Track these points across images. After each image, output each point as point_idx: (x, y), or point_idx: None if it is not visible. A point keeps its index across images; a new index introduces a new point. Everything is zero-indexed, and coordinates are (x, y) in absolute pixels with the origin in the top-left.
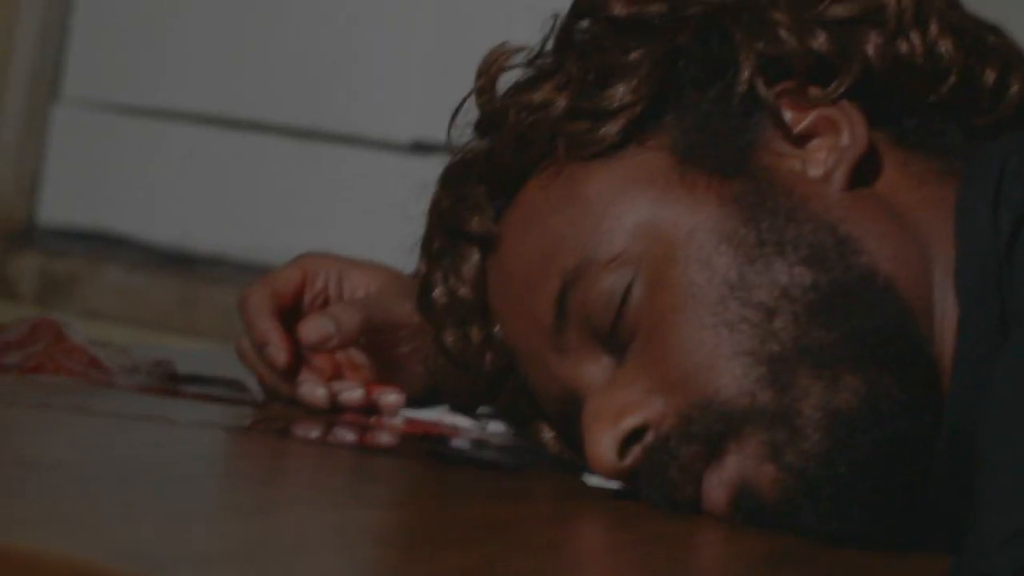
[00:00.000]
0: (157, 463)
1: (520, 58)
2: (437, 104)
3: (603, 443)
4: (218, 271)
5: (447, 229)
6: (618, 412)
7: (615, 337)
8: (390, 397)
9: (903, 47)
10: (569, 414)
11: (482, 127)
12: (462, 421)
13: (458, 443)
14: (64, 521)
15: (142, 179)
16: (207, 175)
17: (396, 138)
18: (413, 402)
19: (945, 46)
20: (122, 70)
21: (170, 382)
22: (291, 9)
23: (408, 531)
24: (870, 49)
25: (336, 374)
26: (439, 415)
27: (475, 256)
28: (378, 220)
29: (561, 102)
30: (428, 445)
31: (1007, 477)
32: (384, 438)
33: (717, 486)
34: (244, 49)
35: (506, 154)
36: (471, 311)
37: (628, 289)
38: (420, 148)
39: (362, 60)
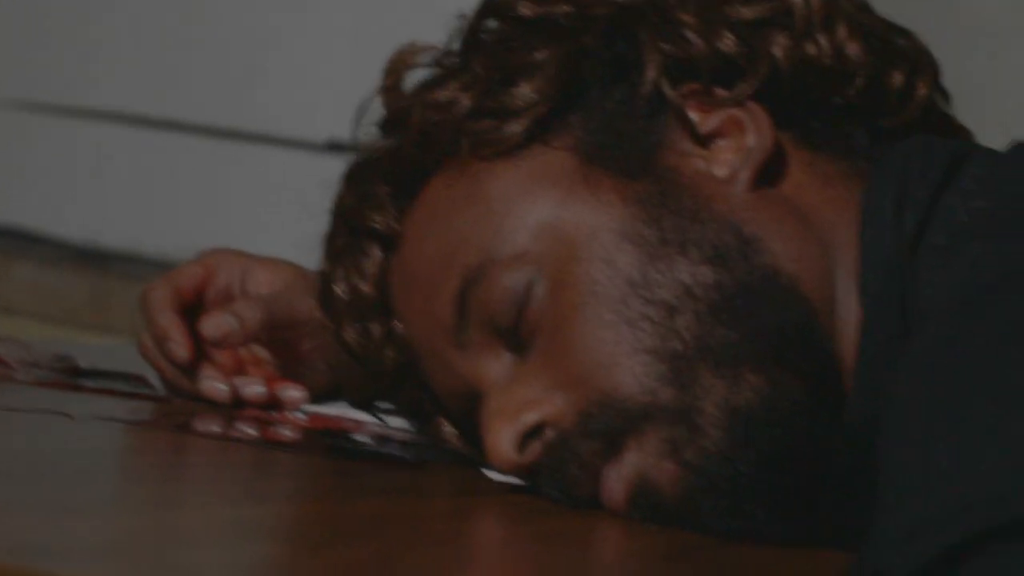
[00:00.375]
0: (52, 457)
1: (427, 57)
2: (352, 104)
3: (502, 439)
4: (131, 268)
5: (350, 227)
6: (518, 408)
7: (517, 335)
8: (292, 393)
9: (810, 49)
10: (470, 410)
11: (387, 125)
12: (364, 417)
13: (360, 438)
14: None
15: (56, 176)
16: (121, 173)
17: (311, 137)
18: (316, 398)
19: (853, 49)
20: (37, 69)
21: (71, 377)
22: (206, 9)
23: (302, 526)
24: (777, 51)
25: (238, 370)
26: (341, 411)
27: (377, 254)
28: (292, 218)
29: (466, 101)
30: (330, 440)
31: (906, 476)
32: (286, 433)
33: (616, 482)
34: (159, 48)
35: (410, 152)
36: (372, 308)
37: (530, 288)
38: (335, 147)
39: (278, 60)
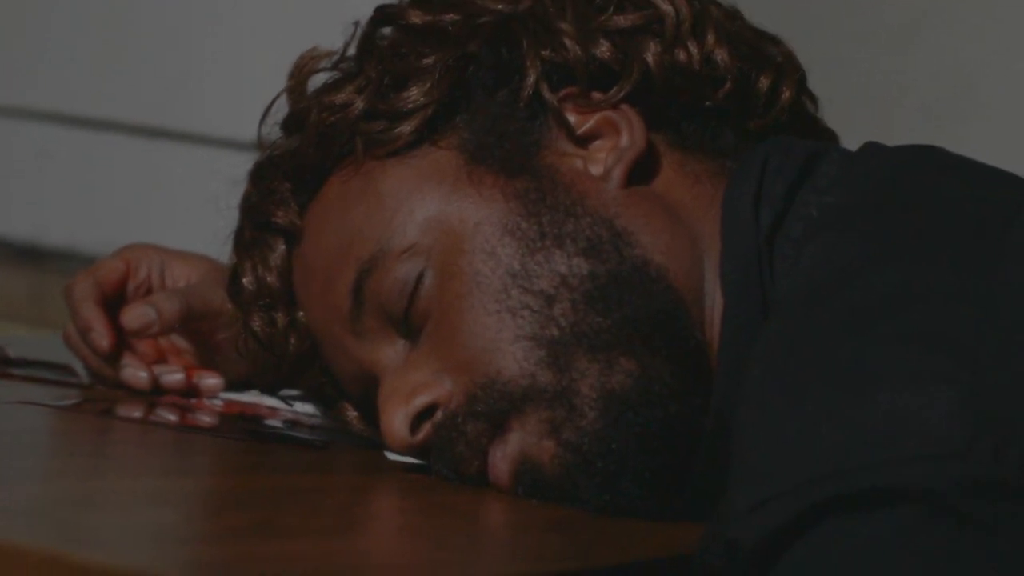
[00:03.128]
0: None
1: (328, 62)
2: (280, 105)
3: (396, 420)
4: (69, 265)
5: (255, 222)
6: (410, 392)
7: (408, 322)
8: (209, 380)
9: (681, 55)
10: (368, 394)
11: (288, 125)
12: (277, 403)
13: (272, 422)
14: None
15: None
16: (59, 172)
17: (240, 137)
18: (231, 385)
19: (721, 55)
20: None
21: (1, 365)
22: (142, 12)
23: (203, 496)
24: (649, 57)
25: (158, 359)
26: (255, 398)
27: (281, 247)
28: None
29: (360, 103)
30: (244, 424)
31: (754, 452)
32: (203, 419)
33: (501, 460)
34: (96, 50)
35: (309, 151)
36: (277, 298)
37: (419, 278)
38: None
39: (209, 62)
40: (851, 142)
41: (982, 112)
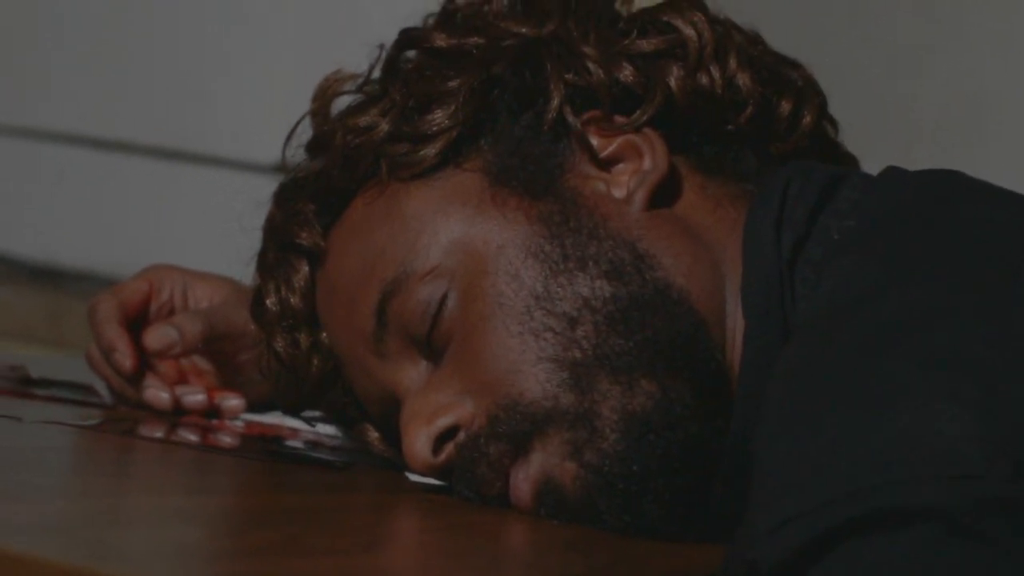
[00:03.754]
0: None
1: (352, 84)
2: (303, 127)
3: (418, 441)
4: (85, 286)
5: (280, 243)
6: (432, 413)
7: (431, 344)
8: (231, 401)
9: (703, 80)
10: (390, 415)
11: (313, 148)
12: (299, 424)
13: (293, 443)
14: None
15: (12, 196)
16: (75, 193)
17: (258, 160)
18: (253, 407)
19: (743, 79)
20: None
21: (23, 385)
22: (158, 34)
23: (227, 515)
24: (672, 81)
25: (180, 379)
26: (278, 419)
27: (305, 268)
28: (240, 238)
29: (384, 126)
30: (265, 445)
31: (773, 474)
32: (225, 439)
33: (523, 481)
34: (112, 73)
35: (334, 173)
36: (300, 319)
37: (443, 300)
38: (281, 170)
39: (226, 84)
40: (864, 165)
41: (994, 135)
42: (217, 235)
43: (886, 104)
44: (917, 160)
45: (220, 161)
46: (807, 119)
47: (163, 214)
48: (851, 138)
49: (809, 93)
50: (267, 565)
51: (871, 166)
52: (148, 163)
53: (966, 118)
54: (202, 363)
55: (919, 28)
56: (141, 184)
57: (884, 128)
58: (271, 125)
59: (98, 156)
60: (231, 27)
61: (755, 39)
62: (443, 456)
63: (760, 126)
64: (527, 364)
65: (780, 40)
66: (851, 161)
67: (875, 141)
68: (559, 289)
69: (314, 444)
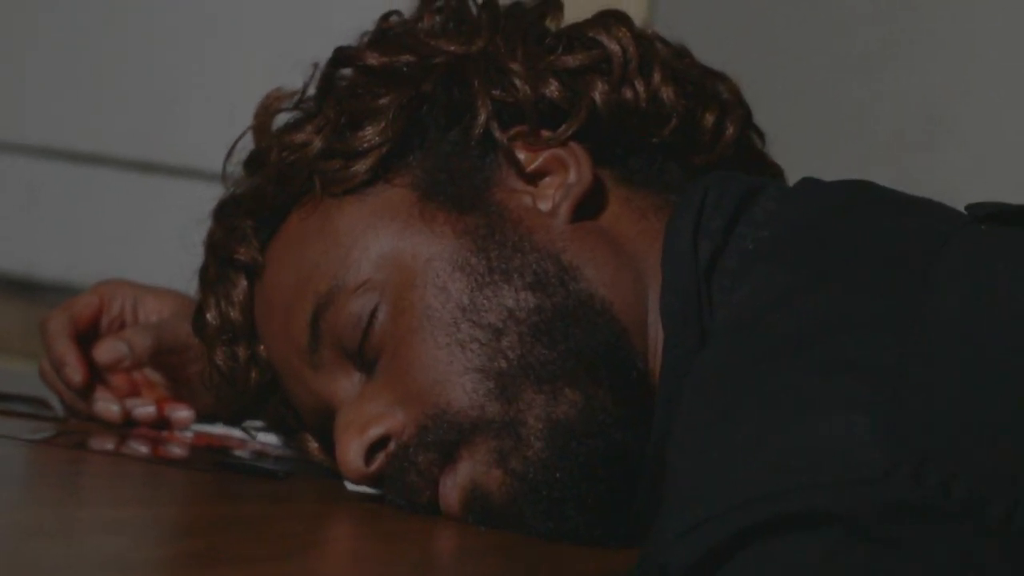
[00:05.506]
0: None
1: (291, 102)
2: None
3: (351, 451)
4: (62, 298)
5: (219, 258)
6: (364, 423)
7: (363, 356)
8: (180, 413)
9: (627, 94)
10: (327, 425)
11: (250, 164)
12: (245, 435)
13: (240, 453)
14: None
15: None
16: (51, 206)
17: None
18: (203, 417)
19: (667, 93)
20: None
21: None
22: (132, 48)
23: (155, 525)
24: (597, 96)
25: (131, 392)
26: (226, 429)
27: (243, 282)
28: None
29: (318, 143)
30: (213, 455)
31: (683, 479)
32: (175, 450)
33: (451, 489)
34: (85, 86)
35: (269, 189)
36: (239, 332)
37: (374, 312)
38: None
39: (200, 96)
40: (820, 171)
41: (951, 141)
42: (192, 247)
43: (842, 115)
44: (874, 173)
45: (195, 173)
46: (730, 130)
47: (138, 226)
48: (807, 150)
49: (733, 105)
50: (188, 573)
51: (826, 172)
52: (123, 175)
53: (923, 129)
54: (152, 376)
55: (876, 38)
56: (116, 196)
57: (840, 140)
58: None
59: (73, 169)
60: (204, 39)
61: (681, 52)
62: (375, 465)
63: (684, 138)
64: (454, 374)
65: (735, 48)
66: (777, 172)
67: (831, 153)
68: (485, 301)
69: (260, 454)
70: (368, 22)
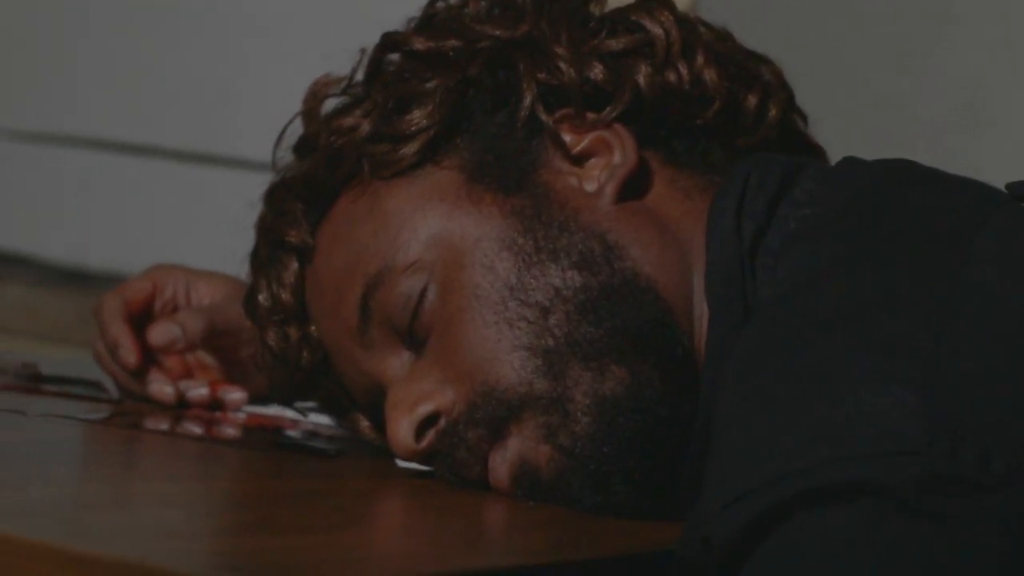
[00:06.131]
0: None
1: (338, 87)
2: (296, 129)
3: (401, 428)
4: (113, 287)
5: (270, 241)
6: (414, 401)
7: (413, 335)
8: (233, 394)
9: (671, 76)
10: (377, 404)
11: (300, 149)
12: (298, 416)
13: (292, 433)
14: None
15: (40, 200)
16: (103, 197)
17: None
18: (255, 399)
19: (710, 75)
20: (21, 99)
21: (33, 382)
22: (181, 40)
23: (207, 499)
24: (641, 78)
25: (184, 374)
26: (279, 410)
27: (294, 264)
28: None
29: (366, 126)
30: (266, 435)
31: (727, 453)
32: (228, 431)
33: (501, 464)
34: (137, 77)
35: (319, 173)
36: (290, 313)
37: (423, 292)
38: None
39: (250, 87)
40: (860, 156)
41: (991, 131)
42: (240, 235)
43: (885, 102)
44: (915, 157)
45: (243, 163)
46: (773, 112)
47: (187, 216)
48: (847, 136)
49: (776, 87)
50: (237, 543)
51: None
52: (173, 166)
53: (966, 116)
54: (205, 358)
55: (920, 26)
56: (166, 187)
57: (881, 125)
58: (291, 128)
59: (124, 160)
60: (253, 30)
61: (724, 36)
62: (425, 442)
63: (727, 120)
64: (503, 352)
65: (777, 38)
66: (819, 153)
67: (872, 139)
68: (532, 280)
69: (312, 434)
70: (415, 11)
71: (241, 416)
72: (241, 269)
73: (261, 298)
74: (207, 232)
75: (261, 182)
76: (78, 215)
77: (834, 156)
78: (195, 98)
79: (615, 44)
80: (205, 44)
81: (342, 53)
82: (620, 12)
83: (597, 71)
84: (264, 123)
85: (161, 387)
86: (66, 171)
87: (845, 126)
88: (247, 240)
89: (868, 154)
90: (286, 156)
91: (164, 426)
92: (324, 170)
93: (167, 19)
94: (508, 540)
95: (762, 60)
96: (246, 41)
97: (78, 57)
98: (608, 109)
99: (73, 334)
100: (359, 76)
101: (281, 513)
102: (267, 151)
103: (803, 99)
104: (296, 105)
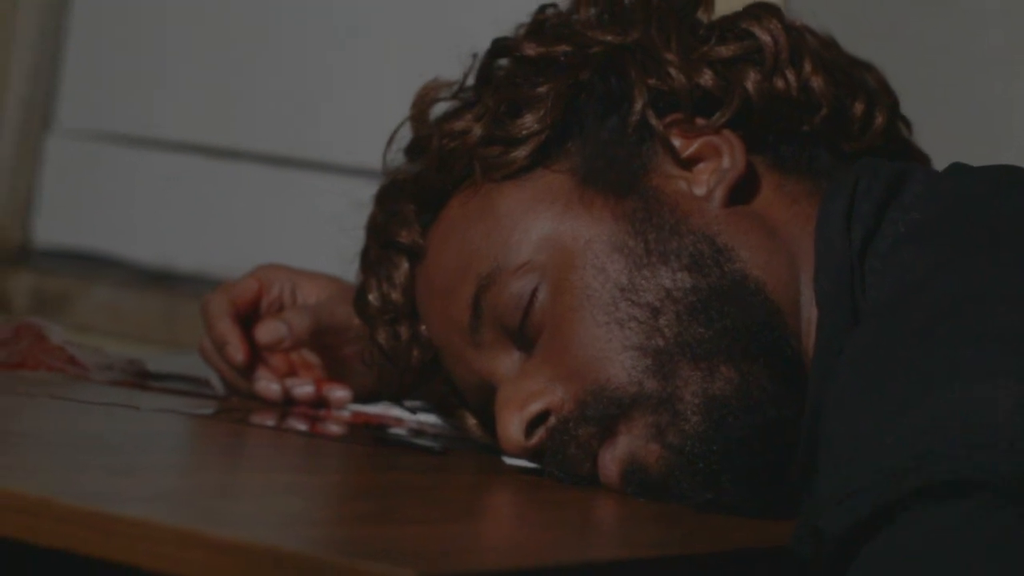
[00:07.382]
0: (119, 438)
1: (448, 91)
2: (403, 132)
3: (512, 425)
4: (200, 288)
5: (381, 242)
6: (525, 398)
7: (523, 334)
8: (338, 392)
9: (779, 83)
10: (486, 402)
11: (411, 151)
12: (402, 414)
13: (397, 431)
14: (24, 470)
15: (129, 203)
16: (188, 199)
17: (367, 165)
18: (359, 397)
19: (817, 82)
20: (110, 102)
21: (140, 378)
22: (270, 44)
23: (327, 490)
24: (749, 85)
25: (290, 372)
26: (384, 409)
27: (405, 265)
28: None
29: (478, 130)
30: (371, 432)
31: (839, 449)
32: (333, 428)
33: (610, 462)
34: (224, 82)
35: (431, 175)
36: (401, 313)
37: (534, 292)
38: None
39: (337, 91)
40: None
41: None
42: (325, 238)
43: (978, 108)
44: (1011, 161)
45: (328, 167)
46: (879, 119)
47: (273, 218)
48: (942, 142)
49: (881, 94)
50: (362, 532)
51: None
52: (258, 169)
53: None
54: (310, 357)
55: (1013, 28)
56: (251, 189)
57: (987, 134)
58: (378, 131)
59: (210, 163)
60: (340, 36)
61: (829, 43)
62: (535, 439)
63: (834, 126)
64: (613, 352)
65: (874, 44)
66: (923, 159)
67: (967, 145)
68: (642, 281)
69: (417, 432)
70: (498, 22)
71: (345, 414)
72: (333, 269)
73: (371, 297)
74: (293, 235)
75: (341, 186)
76: (163, 217)
77: (938, 163)
78: (282, 102)
79: (725, 51)
80: (293, 49)
81: (425, 61)
82: (729, 19)
83: (707, 77)
84: (349, 127)
85: (268, 384)
86: (151, 174)
87: (940, 131)
88: (339, 242)
89: (973, 161)
90: (396, 158)
91: (270, 421)
92: (436, 172)
93: (256, 23)
94: (622, 532)
95: (866, 67)
96: (333, 46)
97: (168, 61)
98: (717, 115)
99: (159, 334)
100: (469, 81)
101: (396, 504)
102: (348, 156)
103: (907, 106)
104: (383, 110)
